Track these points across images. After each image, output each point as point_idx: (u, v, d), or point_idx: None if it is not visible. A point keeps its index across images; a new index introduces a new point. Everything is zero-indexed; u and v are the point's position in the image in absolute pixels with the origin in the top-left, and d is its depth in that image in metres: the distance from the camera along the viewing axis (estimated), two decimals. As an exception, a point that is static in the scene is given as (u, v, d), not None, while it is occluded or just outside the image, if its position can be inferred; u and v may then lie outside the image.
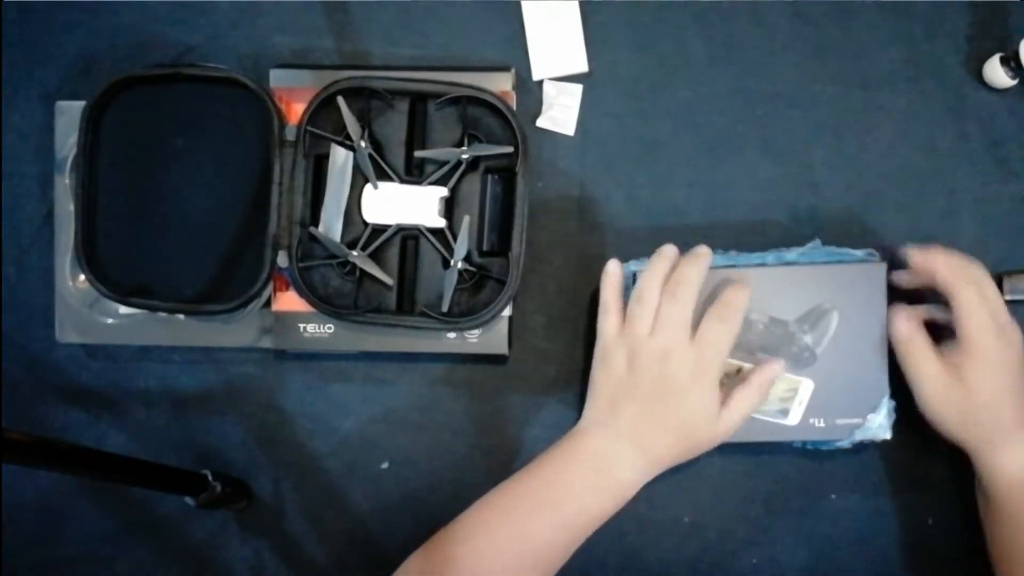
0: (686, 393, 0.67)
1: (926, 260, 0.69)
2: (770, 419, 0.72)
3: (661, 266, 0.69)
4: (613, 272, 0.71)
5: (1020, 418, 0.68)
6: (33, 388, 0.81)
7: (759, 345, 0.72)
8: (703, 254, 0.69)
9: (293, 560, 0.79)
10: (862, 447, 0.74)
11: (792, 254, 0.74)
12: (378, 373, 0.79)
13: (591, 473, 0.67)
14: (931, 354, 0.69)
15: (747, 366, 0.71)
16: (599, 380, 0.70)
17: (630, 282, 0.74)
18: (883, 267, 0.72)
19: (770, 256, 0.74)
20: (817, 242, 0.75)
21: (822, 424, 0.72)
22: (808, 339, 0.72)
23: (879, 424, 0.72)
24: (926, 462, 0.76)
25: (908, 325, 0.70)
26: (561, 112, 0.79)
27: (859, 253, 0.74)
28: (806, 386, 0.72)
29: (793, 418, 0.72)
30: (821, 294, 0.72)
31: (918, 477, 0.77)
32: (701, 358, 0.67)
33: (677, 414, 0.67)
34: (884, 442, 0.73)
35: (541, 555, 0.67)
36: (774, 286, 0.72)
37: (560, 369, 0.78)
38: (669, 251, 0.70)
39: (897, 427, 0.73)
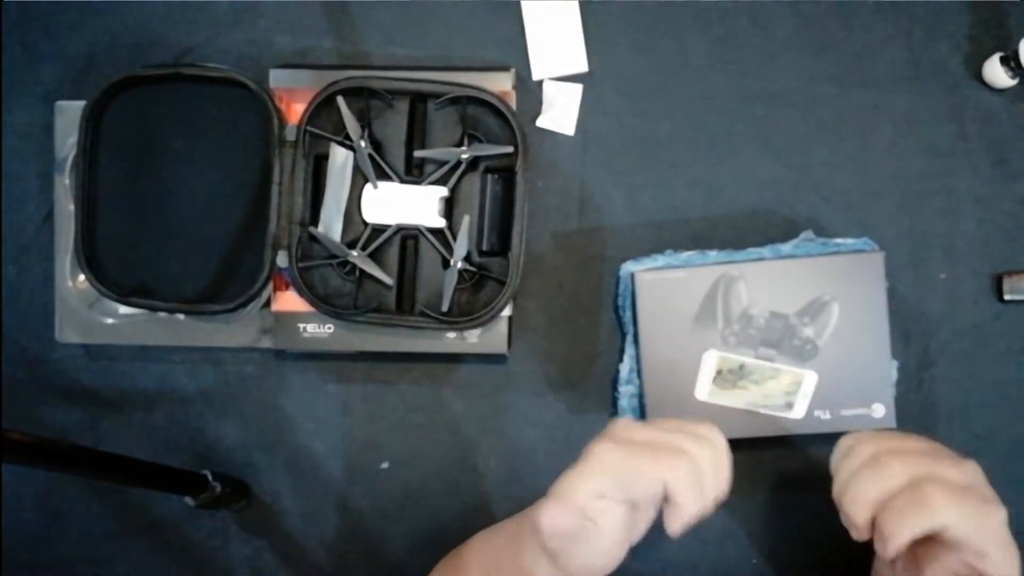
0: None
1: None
2: (775, 413, 0.72)
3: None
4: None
5: None
6: (33, 388, 0.81)
7: (760, 340, 0.72)
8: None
9: (293, 560, 0.79)
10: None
11: (787, 247, 0.74)
12: (378, 373, 0.79)
13: None
14: None
15: (750, 361, 0.71)
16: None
17: (628, 281, 0.74)
18: (881, 255, 0.72)
19: (766, 250, 0.74)
20: (809, 232, 0.75)
21: (828, 416, 0.72)
22: (809, 331, 0.72)
23: (884, 414, 0.72)
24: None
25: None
26: (561, 112, 0.79)
27: (855, 242, 0.74)
28: (809, 379, 0.72)
29: (798, 411, 0.72)
30: (820, 286, 0.72)
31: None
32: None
33: None
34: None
35: None
36: (773, 280, 0.72)
37: (560, 369, 0.78)
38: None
39: (899, 420, 0.72)
